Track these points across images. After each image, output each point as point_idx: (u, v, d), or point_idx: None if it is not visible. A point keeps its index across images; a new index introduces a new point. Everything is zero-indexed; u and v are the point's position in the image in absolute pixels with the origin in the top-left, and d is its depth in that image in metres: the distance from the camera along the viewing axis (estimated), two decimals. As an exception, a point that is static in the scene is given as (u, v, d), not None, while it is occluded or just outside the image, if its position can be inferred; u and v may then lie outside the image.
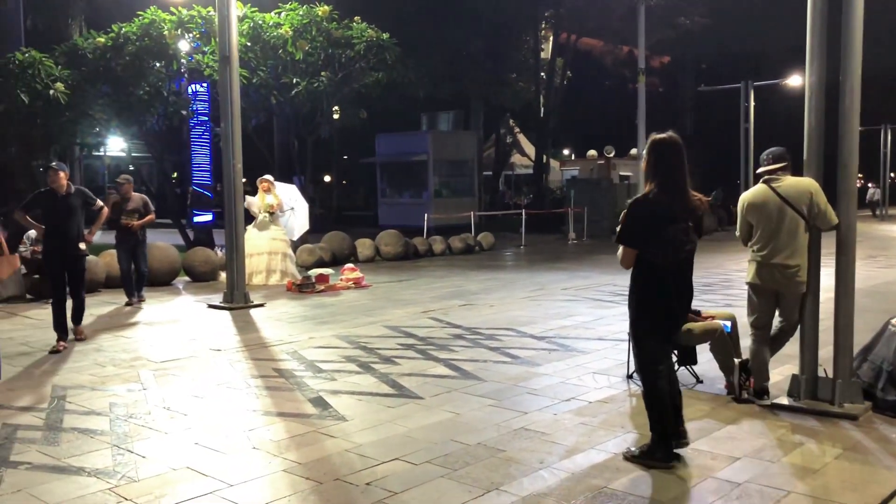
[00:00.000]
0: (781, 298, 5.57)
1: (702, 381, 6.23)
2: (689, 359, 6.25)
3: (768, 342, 5.68)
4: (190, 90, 17.03)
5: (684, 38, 34.37)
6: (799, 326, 5.62)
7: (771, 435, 4.95)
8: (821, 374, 5.56)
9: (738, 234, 5.81)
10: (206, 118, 17.41)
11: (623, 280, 12.74)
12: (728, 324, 6.09)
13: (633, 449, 4.61)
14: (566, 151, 45.60)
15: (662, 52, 40.00)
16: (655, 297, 4.41)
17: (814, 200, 5.35)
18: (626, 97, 39.14)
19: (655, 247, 4.34)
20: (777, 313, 5.67)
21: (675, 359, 6.17)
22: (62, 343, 7.78)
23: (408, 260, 16.88)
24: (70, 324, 8.09)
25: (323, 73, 16.96)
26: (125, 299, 10.80)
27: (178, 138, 23.63)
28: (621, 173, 32.50)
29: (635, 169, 31.21)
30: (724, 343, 5.91)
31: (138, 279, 11.02)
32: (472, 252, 18.65)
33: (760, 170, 5.65)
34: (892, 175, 39.17)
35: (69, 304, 8.03)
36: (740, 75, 24.72)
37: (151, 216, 11.05)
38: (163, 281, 12.81)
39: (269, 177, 13.23)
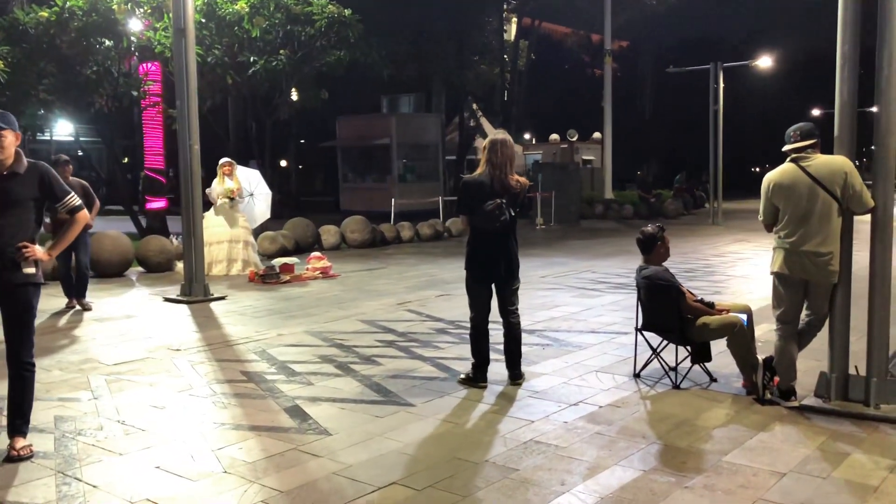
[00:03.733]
0: (811, 289, 5.03)
1: (717, 380, 5.70)
2: (703, 356, 5.72)
3: (796, 337, 5.15)
4: (141, 70, 16.06)
5: (647, 20, 34.03)
6: (828, 320, 5.12)
7: (810, 444, 4.42)
8: (851, 371, 5.07)
9: (760, 217, 5.25)
10: (159, 99, 16.46)
11: (601, 267, 12.39)
12: (744, 316, 5.57)
13: (462, 375, 5.81)
14: (527, 136, 45.10)
15: (622, 36, 39.67)
16: (476, 253, 5.62)
17: (848, 181, 4.82)
18: (586, 81, 38.77)
19: (479, 215, 5.42)
20: (805, 305, 5.14)
21: (689, 355, 5.69)
22: None
23: (375, 247, 16.17)
24: None
25: (282, 52, 16.16)
26: (66, 300, 9.31)
27: (128, 121, 22.54)
28: (584, 157, 32.07)
29: (598, 153, 30.88)
30: (743, 338, 5.39)
31: (79, 280, 9.18)
32: (441, 238, 18.00)
33: (787, 147, 5.08)
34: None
35: None
36: (701, 58, 24.33)
37: (97, 204, 9.05)
38: (114, 272, 11.93)
39: (230, 160, 12.40)
